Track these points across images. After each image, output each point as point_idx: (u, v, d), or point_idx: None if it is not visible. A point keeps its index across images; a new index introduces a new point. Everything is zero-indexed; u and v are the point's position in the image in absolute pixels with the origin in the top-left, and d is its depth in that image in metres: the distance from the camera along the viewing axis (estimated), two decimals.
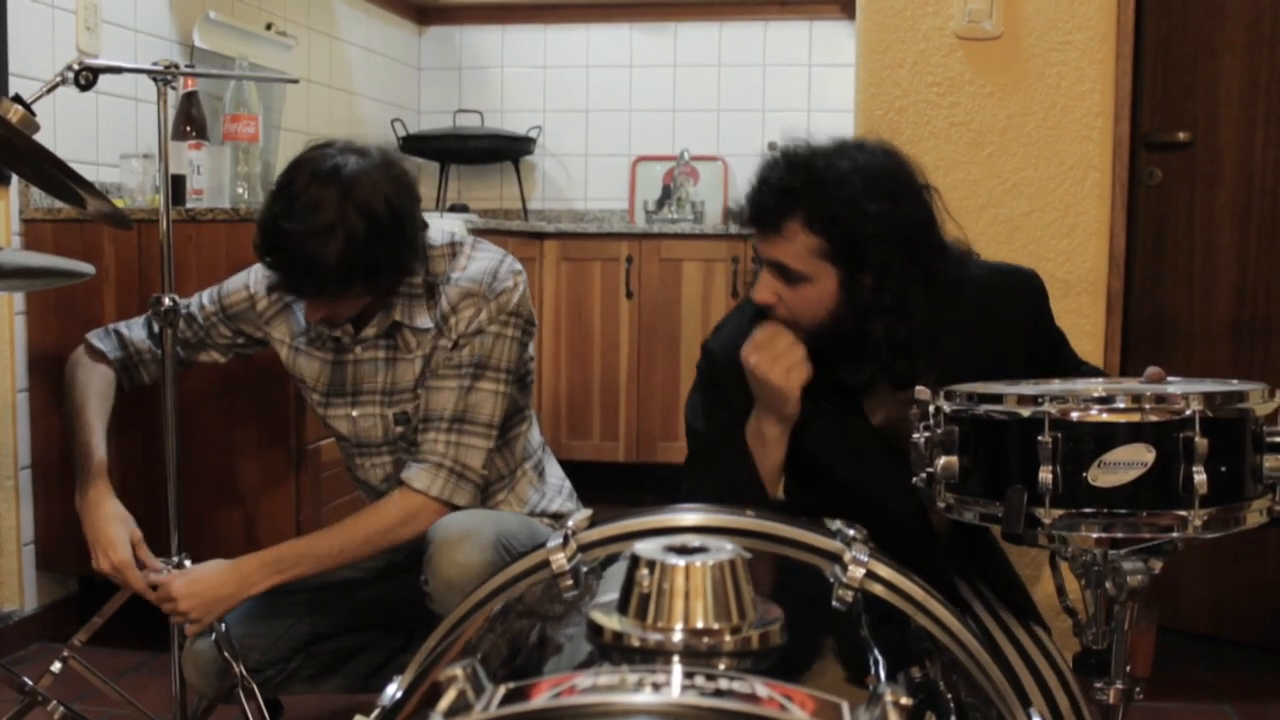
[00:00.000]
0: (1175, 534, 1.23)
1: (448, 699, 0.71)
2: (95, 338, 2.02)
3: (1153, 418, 1.23)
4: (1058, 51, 2.47)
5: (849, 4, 4.34)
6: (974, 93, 2.50)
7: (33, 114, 1.68)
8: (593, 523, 1.14)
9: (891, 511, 1.57)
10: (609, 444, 4.24)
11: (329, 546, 1.84)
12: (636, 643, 0.79)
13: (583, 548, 1.08)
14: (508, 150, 4.71)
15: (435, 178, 4.75)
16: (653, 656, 0.78)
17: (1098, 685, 1.35)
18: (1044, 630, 1.67)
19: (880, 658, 0.91)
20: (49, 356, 2.65)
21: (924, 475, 1.36)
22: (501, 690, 0.71)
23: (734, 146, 4.65)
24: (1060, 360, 1.77)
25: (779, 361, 1.57)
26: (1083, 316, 2.48)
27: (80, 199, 1.71)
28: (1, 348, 2.65)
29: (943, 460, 1.33)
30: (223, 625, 1.85)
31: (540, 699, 0.69)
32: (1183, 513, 1.22)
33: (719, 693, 0.69)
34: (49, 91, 1.77)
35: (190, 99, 2.82)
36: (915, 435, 1.37)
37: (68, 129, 2.78)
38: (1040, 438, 1.24)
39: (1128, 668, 1.33)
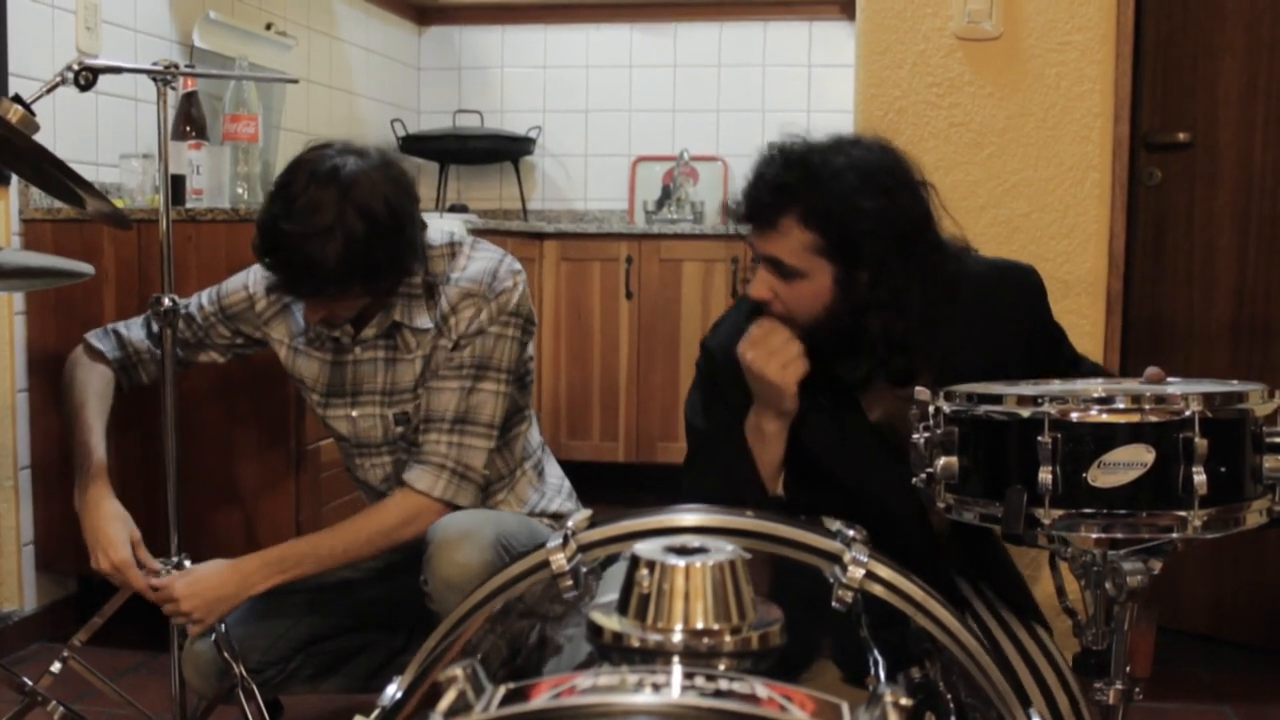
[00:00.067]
0: (1175, 534, 1.23)
1: (448, 699, 0.71)
2: (94, 338, 2.02)
3: (1152, 418, 1.23)
4: (1057, 52, 2.47)
5: (849, 4, 4.35)
6: (974, 93, 2.50)
7: (32, 114, 1.68)
8: (592, 523, 1.14)
9: (890, 508, 1.57)
10: (609, 444, 4.23)
11: (331, 547, 1.84)
12: (636, 643, 0.79)
13: (583, 548, 1.09)
14: (507, 150, 4.71)
15: (435, 178, 4.75)
16: (653, 657, 0.78)
17: (1097, 685, 1.34)
18: (1045, 630, 1.67)
19: (880, 658, 0.91)
20: (49, 356, 2.65)
21: (924, 475, 1.36)
22: (501, 691, 0.71)
23: (734, 147, 4.64)
24: (1059, 356, 1.76)
25: (775, 357, 1.56)
26: (1082, 317, 2.48)
27: (80, 199, 1.71)
28: (1, 348, 2.65)
29: (942, 461, 1.32)
30: (222, 626, 1.85)
31: (540, 699, 0.69)
32: (1182, 513, 1.22)
33: (719, 693, 0.69)
34: (49, 91, 1.77)
35: (190, 99, 2.82)
36: (915, 435, 1.37)
37: (68, 129, 2.78)
38: (1040, 438, 1.24)
39: (1127, 668, 1.33)
